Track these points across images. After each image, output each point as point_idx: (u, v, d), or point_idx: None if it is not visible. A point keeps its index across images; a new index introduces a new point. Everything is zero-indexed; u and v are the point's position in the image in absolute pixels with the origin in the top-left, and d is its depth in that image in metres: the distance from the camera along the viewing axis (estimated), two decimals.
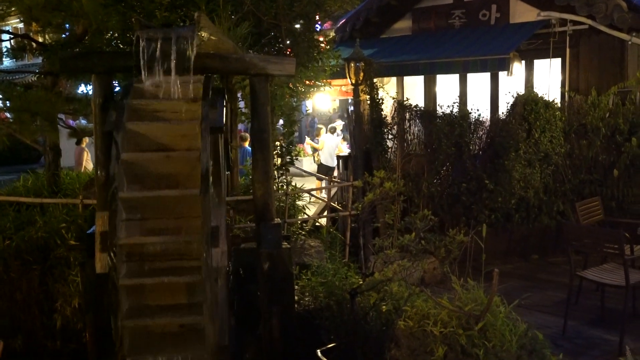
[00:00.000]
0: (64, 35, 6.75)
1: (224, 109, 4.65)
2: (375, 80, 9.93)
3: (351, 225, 8.26)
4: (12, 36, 7.92)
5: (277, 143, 8.20)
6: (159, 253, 3.87)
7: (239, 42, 5.84)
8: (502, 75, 10.70)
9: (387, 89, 10.74)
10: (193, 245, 3.82)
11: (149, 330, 3.84)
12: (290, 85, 7.85)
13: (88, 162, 12.49)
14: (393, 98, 10.16)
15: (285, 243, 5.00)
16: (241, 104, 8.08)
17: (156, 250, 3.87)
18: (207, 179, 3.88)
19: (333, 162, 14.06)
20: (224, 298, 4.81)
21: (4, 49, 8.03)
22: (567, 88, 10.23)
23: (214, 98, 4.27)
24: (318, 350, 4.85)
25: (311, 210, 9.60)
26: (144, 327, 3.81)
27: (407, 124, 9.71)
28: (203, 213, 3.81)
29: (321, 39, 8.36)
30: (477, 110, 9.39)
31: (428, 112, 9.85)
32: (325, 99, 15.45)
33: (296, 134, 10.94)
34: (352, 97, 10.53)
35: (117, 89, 5.67)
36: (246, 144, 11.52)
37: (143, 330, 3.82)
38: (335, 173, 12.71)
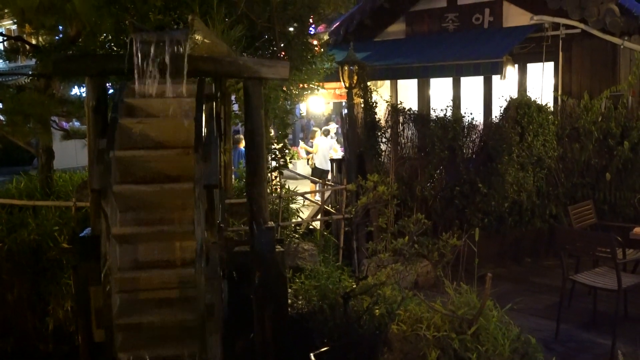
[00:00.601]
0: (57, 38, 6.73)
1: (218, 150, 4.48)
2: (369, 83, 9.94)
3: (345, 229, 8.26)
4: (5, 38, 7.90)
5: (272, 146, 8.20)
6: (157, 323, 3.83)
7: (232, 45, 5.83)
8: (495, 78, 10.73)
9: (381, 92, 10.75)
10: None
11: None
12: (284, 88, 7.85)
13: None
14: (387, 101, 10.17)
15: (279, 246, 5.01)
16: (235, 107, 8.08)
17: (154, 323, 3.83)
18: (202, 254, 3.76)
19: (327, 165, 14.05)
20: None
21: None
22: (559, 92, 10.27)
23: (208, 143, 4.05)
24: (311, 354, 4.85)
25: (305, 214, 9.59)
26: None
27: (401, 128, 9.72)
28: (197, 290, 3.74)
29: (315, 42, 8.35)
30: (471, 113, 9.41)
31: (421, 116, 9.86)
32: (319, 101, 15.45)
33: (290, 136, 10.95)
34: (345, 100, 10.54)
35: (110, 91, 5.66)
36: (241, 146, 11.51)
37: None
38: (330, 176, 12.71)
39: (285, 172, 8.43)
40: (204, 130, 4.03)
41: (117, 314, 3.72)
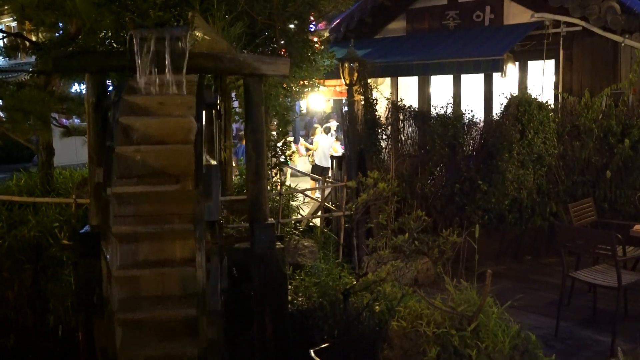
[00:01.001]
0: (57, 34, 6.72)
1: (219, 185, 4.42)
2: (369, 80, 9.93)
3: (345, 226, 8.26)
4: (5, 35, 7.89)
5: (272, 143, 8.19)
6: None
7: (233, 42, 5.83)
8: (496, 76, 10.72)
9: (381, 90, 10.74)
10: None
11: None
12: (285, 86, 7.84)
13: None
14: (387, 99, 10.17)
15: (279, 243, 5.00)
16: (235, 104, 8.07)
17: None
18: (204, 297, 3.76)
19: (327, 163, 14.05)
20: None
21: None
22: (560, 89, 10.25)
23: (208, 173, 4.01)
24: (311, 351, 4.85)
25: (305, 211, 9.59)
26: None
27: (401, 125, 9.72)
28: (199, 327, 3.72)
29: (315, 39, 8.35)
30: (471, 111, 9.41)
31: (422, 113, 9.86)
32: (319, 99, 15.44)
33: (290, 133, 10.95)
34: (346, 98, 10.54)
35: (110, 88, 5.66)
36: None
37: None
38: (330, 174, 12.71)
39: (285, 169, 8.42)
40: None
41: (120, 349, 3.72)
